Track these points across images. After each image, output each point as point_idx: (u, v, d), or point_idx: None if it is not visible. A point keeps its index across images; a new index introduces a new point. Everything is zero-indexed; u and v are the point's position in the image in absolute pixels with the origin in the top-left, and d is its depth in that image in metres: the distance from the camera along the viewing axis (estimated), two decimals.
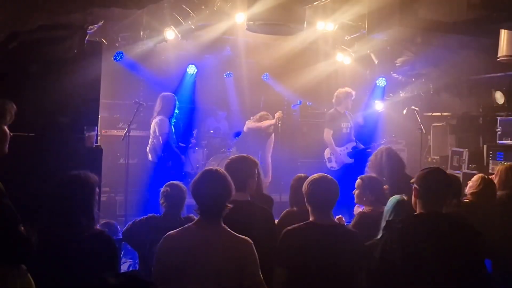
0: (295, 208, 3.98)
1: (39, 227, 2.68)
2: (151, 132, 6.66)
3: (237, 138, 8.34)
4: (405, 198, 3.59)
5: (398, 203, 3.56)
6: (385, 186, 4.37)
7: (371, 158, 5.02)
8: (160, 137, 6.51)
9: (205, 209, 2.73)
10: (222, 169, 2.89)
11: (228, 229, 2.74)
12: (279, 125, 7.33)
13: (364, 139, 7.54)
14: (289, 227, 3.10)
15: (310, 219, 3.13)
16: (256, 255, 2.72)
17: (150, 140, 6.66)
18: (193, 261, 2.61)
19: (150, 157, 6.66)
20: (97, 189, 3.02)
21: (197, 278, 2.59)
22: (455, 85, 8.25)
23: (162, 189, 4.06)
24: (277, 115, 7.34)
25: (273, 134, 7.51)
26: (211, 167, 2.92)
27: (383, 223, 3.50)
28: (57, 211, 2.87)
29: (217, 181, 2.75)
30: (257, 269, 2.72)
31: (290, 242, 3.02)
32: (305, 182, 3.22)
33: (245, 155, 3.74)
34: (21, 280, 2.46)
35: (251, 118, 7.77)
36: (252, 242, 2.74)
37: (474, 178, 4.48)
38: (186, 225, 2.77)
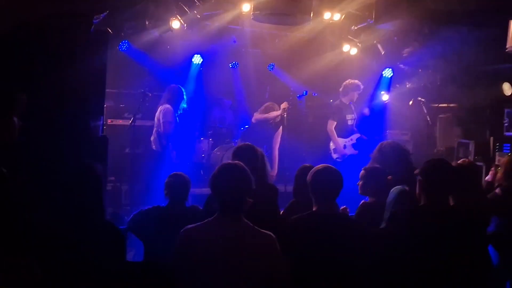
0: (299, 199, 3.99)
1: (46, 215, 2.71)
2: (155, 120, 6.67)
3: (242, 129, 8.33)
4: (407, 188, 3.59)
5: (401, 193, 3.56)
6: (389, 177, 4.37)
7: (373, 154, 4.99)
8: (162, 125, 6.52)
9: (226, 204, 2.67)
10: (240, 163, 2.82)
11: (250, 223, 2.69)
12: (285, 116, 7.31)
13: (370, 130, 7.51)
14: (293, 217, 3.11)
15: (314, 209, 3.14)
16: (279, 249, 2.69)
17: (154, 129, 6.67)
18: (215, 256, 2.56)
19: (154, 146, 6.68)
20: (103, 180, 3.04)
21: (220, 273, 2.56)
22: (462, 76, 8.18)
23: (166, 180, 4.08)
24: (283, 105, 7.31)
25: (281, 127, 7.49)
26: (228, 161, 2.88)
27: (386, 214, 3.51)
28: (67, 199, 2.88)
29: (238, 175, 2.69)
30: (280, 264, 2.70)
31: (294, 232, 3.03)
32: (309, 172, 3.23)
33: (249, 143, 3.74)
34: (28, 268, 2.48)
35: (258, 110, 7.73)
36: (275, 236, 2.71)
37: (459, 162, 4.55)
38: (206, 220, 2.71)
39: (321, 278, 2.98)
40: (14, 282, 2.40)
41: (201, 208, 3.83)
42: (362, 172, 4.21)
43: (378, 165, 4.38)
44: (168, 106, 6.58)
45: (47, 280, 2.59)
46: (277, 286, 2.71)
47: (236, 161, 2.88)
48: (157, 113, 6.66)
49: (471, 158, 7.35)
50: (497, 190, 4.31)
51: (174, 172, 4.17)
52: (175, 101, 6.66)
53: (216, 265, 2.56)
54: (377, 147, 4.98)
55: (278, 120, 7.45)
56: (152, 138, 6.72)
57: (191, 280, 2.62)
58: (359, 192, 4.24)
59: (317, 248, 2.97)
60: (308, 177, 3.22)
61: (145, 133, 7.57)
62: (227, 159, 3.33)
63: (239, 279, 2.58)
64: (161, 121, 6.54)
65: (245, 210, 2.68)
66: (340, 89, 7.28)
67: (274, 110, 7.43)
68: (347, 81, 7.24)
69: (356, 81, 7.22)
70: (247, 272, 2.59)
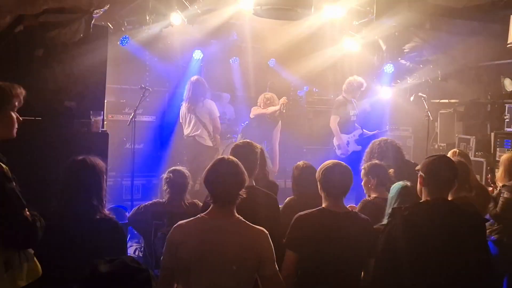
0: (295, 197, 4.00)
1: (47, 211, 2.70)
2: (201, 119, 6.76)
3: (242, 124, 8.32)
4: (409, 184, 3.59)
5: (403, 189, 3.56)
6: (391, 170, 4.36)
7: (368, 150, 4.99)
8: (214, 121, 6.82)
9: (218, 199, 2.68)
10: (234, 158, 2.84)
11: (243, 219, 2.70)
12: (284, 111, 7.28)
13: (371, 126, 7.50)
14: (301, 213, 3.11)
15: (323, 205, 3.13)
16: (272, 246, 2.70)
17: (202, 126, 6.76)
18: (206, 252, 2.57)
19: (206, 142, 6.79)
20: (104, 174, 3.03)
21: (211, 269, 2.56)
22: (463, 71, 8.17)
23: (165, 176, 4.08)
24: (281, 101, 7.27)
25: (280, 122, 7.47)
26: (223, 156, 2.89)
27: (388, 210, 3.50)
28: (67, 195, 2.88)
29: (230, 170, 2.70)
30: (273, 260, 2.71)
31: (303, 227, 3.03)
32: (319, 169, 3.23)
33: (249, 140, 3.75)
34: (28, 264, 2.48)
35: (257, 104, 7.69)
36: (267, 232, 2.71)
37: (448, 154, 4.55)
38: (198, 215, 2.71)
39: (329, 274, 2.99)
40: (15, 278, 2.40)
41: (201, 204, 3.83)
42: (362, 171, 4.20)
43: (379, 162, 4.38)
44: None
45: (47, 275, 2.59)
46: (268, 281, 2.72)
47: (229, 156, 2.89)
48: (203, 109, 6.79)
49: (471, 153, 7.36)
50: (506, 194, 4.27)
51: (174, 168, 4.18)
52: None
53: (207, 259, 2.57)
54: (369, 146, 4.99)
55: (277, 115, 7.41)
56: (203, 134, 6.79)
57: (182, 275, 2.62)
58: (365, 191, 4.23)
59: (326, 244, 2.97)
60: (318, 174, 3.22)
61: (145, 128, 7.59)
62: (227, 155, 3.33)
63: (230, 274, 2.58)
64: (212, 117, 6.81)
65: (237, 204, 2.69)
66: (344, 85, 7.26)
67: (273, 100, 7.38)
68: (351, 78, 7.22)
69: (360, 78, 7.21)
70: (238, 267, 2.59)
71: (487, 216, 4.27)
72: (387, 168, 4.30)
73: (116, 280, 1.73)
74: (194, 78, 6.98)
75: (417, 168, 2.96)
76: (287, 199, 4.08)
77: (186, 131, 6.88)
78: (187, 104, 6.88)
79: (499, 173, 4.54)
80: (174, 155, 7.72)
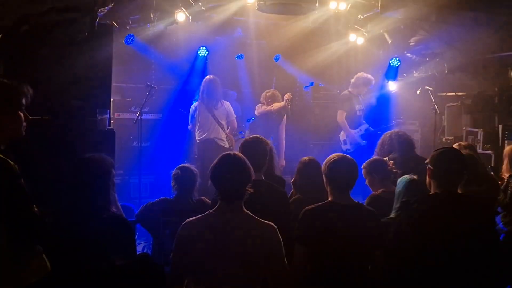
0: (299, 195, 3.99)
1: (54, 208, 2.71)
2: (219, 120, 6.65)
3: (249, 121, 8.31)
4: (415, 177, 3.57)
5: (410, 183, 3.54)
6: (390, 162, 4.36)
7: (380, 142, 5.01)
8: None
9: (225, 194, 2.69)
10: (240, 153, 2.86)
11: (251, 214, 2.70)
12: (289, 106, 7.26)
13: (377, 120, 7.47)
14: (309, 207, 3.09)
15: (330, 199, 3.12)
16: (281, 240, 2.70)
17: (220, 128, 6.66)
18: (215, 248, 2.58)
19: (224, 143, 6.66)
20: (113, 171, 3.04)
21: (220, 265, 2.57)
22: (470, 64, 8.11)
23: (173, 172, 4.08)
24: (286, 96, 7.24)
25: (285, 116, 7.45)
26: (229, 152, 2.89)
27: (396, 204, 3.49)
28: (74, 193, 2.90)
29: (236, 165, 2.71)
30: (282, 255, 2.71)
31: (310, 221, 3.02)
32: (324, 162, 3.21)
33: (258, 136, 3.74)
34: (37, 260, 2.49)
35: (260, 101, 7.67)
36: (276, 226, 2.71)
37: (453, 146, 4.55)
38: (207, 212, 2.73)
39: (339, 266, 2.98)
40: (24, 274, 2.41)
41: (209, 201, 3.83)
42: (363, 171, 4.19)
43: (377, 157, 4.39)
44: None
45: (56, 272, 2.61)
46: (277, 276, 2.72)
47: (235, 152, 2.90)
48: (221, 111, 6.71)
49: (480, 146, 7.31)
50: None
51: (182, 165, 4.18)
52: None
53: (216, 255, 2.57)
54: (381, 138, 4.99)
55: (282, 110, 7.39)
56: (222, 136, 6.69)
57: (192, 271, 2.63)
58: (371, 189, 4.22)
59: (334, 237, 2.96)
60: (324, 167, 3.21)
61: (152, 126, 7.59)
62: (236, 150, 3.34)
63: (239, 269, 2.59)
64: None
65: (246, 199, 2.69)
66: (352, 80, 7.23)
67: (275, 97, 7.36)
68: (360, 74, 7.19)
69: (370, 76, 7.18)
70: (248, 262, 2.60)
71: (499, 209, 4.24)
72: (386, 161, 4.31)
73: (131, 276, 1.74)
74: (210, 77, 6.82)
75: (426, 161, 2.94)
76: (292, 199, 4.07)
77: (202, 132, 6.66)
78: (203, 104, 6.69)
79: (504, 165, 4.53)
80: (182, 152, 7.72)
